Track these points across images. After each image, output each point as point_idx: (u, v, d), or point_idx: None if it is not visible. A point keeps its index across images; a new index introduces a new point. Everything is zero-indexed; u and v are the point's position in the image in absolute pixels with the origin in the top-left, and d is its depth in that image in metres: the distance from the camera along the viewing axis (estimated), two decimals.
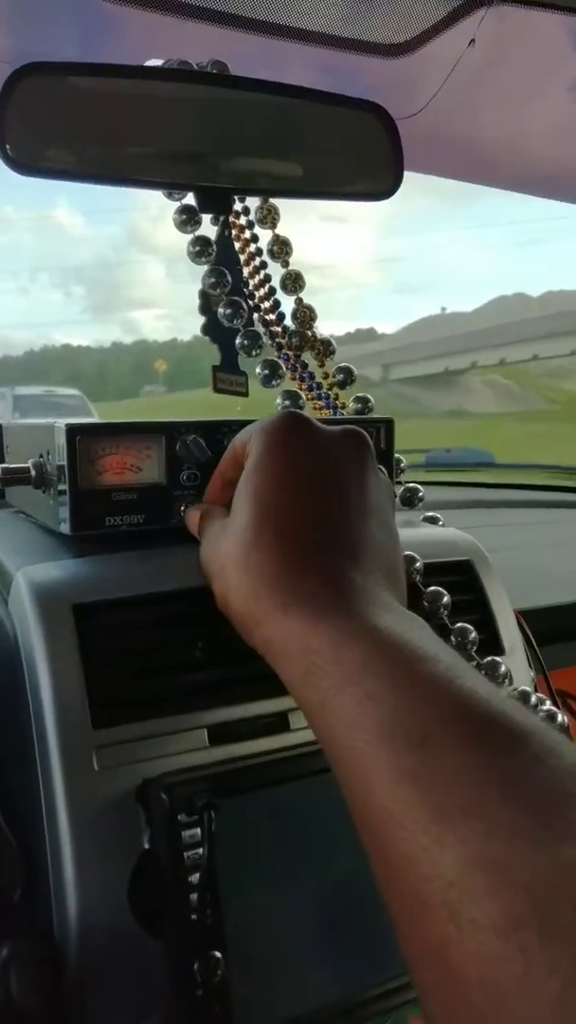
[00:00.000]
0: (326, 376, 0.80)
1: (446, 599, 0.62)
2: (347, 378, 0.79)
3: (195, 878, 0.45)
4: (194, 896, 0.45)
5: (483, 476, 1.71)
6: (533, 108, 1.02)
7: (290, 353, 0.79)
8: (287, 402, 0.65)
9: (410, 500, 0.82)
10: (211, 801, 0.46)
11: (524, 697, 0.63)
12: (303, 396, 0.67)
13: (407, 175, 0.72)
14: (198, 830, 0.46)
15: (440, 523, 0.80)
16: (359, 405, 0.78)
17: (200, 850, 0.46)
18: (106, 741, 0.50)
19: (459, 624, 0.62)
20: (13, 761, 0.54)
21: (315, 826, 0.52)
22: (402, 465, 0.78)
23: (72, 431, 0.59)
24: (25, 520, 0.75)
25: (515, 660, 0.65)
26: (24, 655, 0.53)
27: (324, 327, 0.77)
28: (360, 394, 0.78)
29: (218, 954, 0.45)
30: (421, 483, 0.80)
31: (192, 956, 0.45)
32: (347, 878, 0.52)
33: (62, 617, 0.53)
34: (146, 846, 0.48)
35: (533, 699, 0.63)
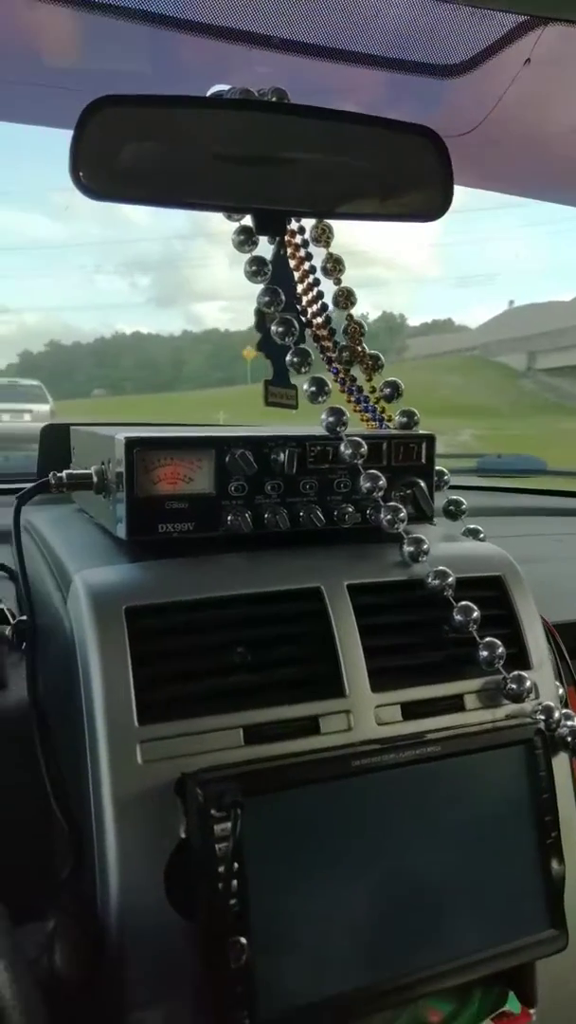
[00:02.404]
0: (373, 390, 0.82)
1: (476, 614, 0.64)
2: (394, 392, 0.82)
3: (224, 868, 0.49)
4: (222, 885, 0.49)
5: (535, 483, 1.70)
6: None
7: (339, 367, 0.82)
8: (331, 419, 0.68)
9: (453, 513, 0.84)
10: (237, 799, 0.49)
11: (548, 712, 0.65)
12: (347, 412, 0.70)
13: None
14: (229, 824, 0.49)
15: (481, 535, 0.82)
16: (405, 419, 0.80)
17: (230, 843, 0.50)
18: (150, 736, 0.54)
19: (488, 638, 0.64)
20: (66, 748, 0.58)
21: (343, 824, 0.55)
22: (445, 478, 0.80)
23: (131, 443, 0.63)
24: (86, 520, 0.80)
25: (542, 675, 0.67)
26: (79, 652, 0.57)
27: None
28: (406, 408, 0.80)
29: (243, 940, 0.49)
30: (472, 488, 0.82)
31: (219, 941, 0.49)
32: (373, 875, 0.55)
33: (115, 619, 0.57)
34: (183, 836, 0.52)
35: (556, 715, 0.65)
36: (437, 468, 0.76)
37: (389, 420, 0.82)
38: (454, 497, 0.83)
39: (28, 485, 0.71)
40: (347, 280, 0.79)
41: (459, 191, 0.77)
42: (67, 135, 0.62)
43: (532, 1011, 0.62)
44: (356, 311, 0.81)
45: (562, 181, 1.05)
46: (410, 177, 0.74)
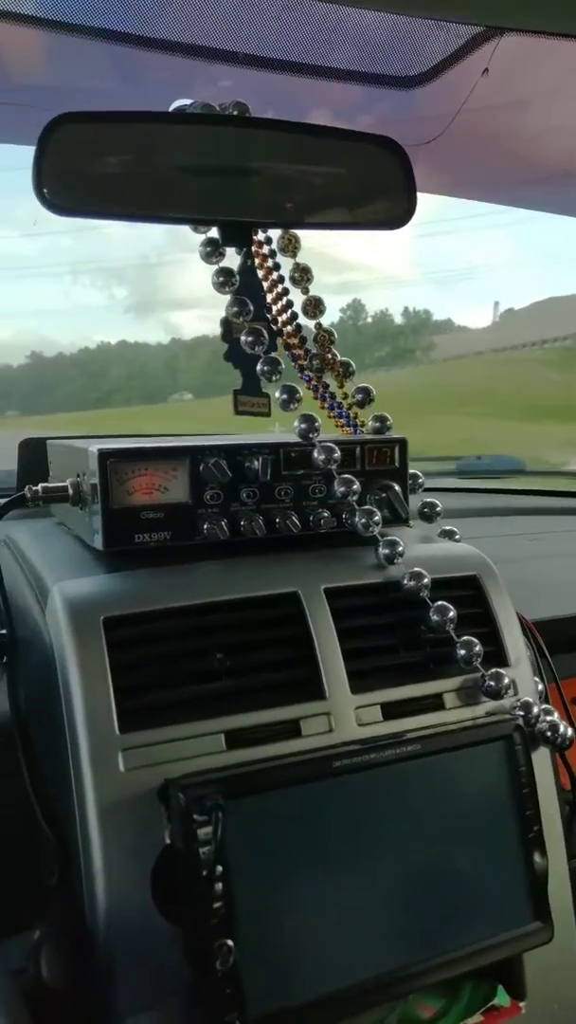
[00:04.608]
0: (345, 396, 0.83)
1: (452, 613, 0.65)
2: (366, 398, 0.83)
3: (208, 871, 0.49)
4: (207, 888, 0.49)
5: (514, 483, 1.72)
6: (553, 125, 1.04)
7: (311, 374, 0.83)
8: (303, 425, 0.69)
9: (428, 515, 0.85)
10: (218, 803, 0.50)
11: (526, 708, 0.65)
12: (319, 419, 0.70)
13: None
14: (211, 828, 0.50)
15: (457, 537, 0.83)
16: (378, 424, 0.81)
17: (213, 846, 0.50)
18: (131, 744, 0.54)
19: (465, 637, 0.65)
20: (49, 759, 0.58)
21: (326, 825, 0.55)
22: (420, 481, 0.81)
23: (104, 455, 0.64)
24: (64, 532, 0.80)
25: (520, 671, 0.68)
26: (58, 663, 0.57)
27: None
28: (379, 413, 0.81)
29: (230, 942, 0.49)
30: (451, 490, 0.83)
31: (206, 944, 0.49)
32: (358, 874, 0.56)
33: (93, 629, 0.57)
34: (167, 841, 0.53)
35: (535, 710, 0.66)
36: (411, 471, 0.77)
37: (363, 426, 0.83)
38: (429, 500, 0.84)
39: (4, 501, 0.71)
40: (324, 286, 0.80)
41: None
42: (30, 151, 0.62)
43: (521, 1004, 0.63)
44: (326, 320, 0.82)
45: (523, 186, 1.07)
46: (374, 186, 0.75)
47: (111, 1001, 0.51)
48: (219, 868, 0.50)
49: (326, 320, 0.81)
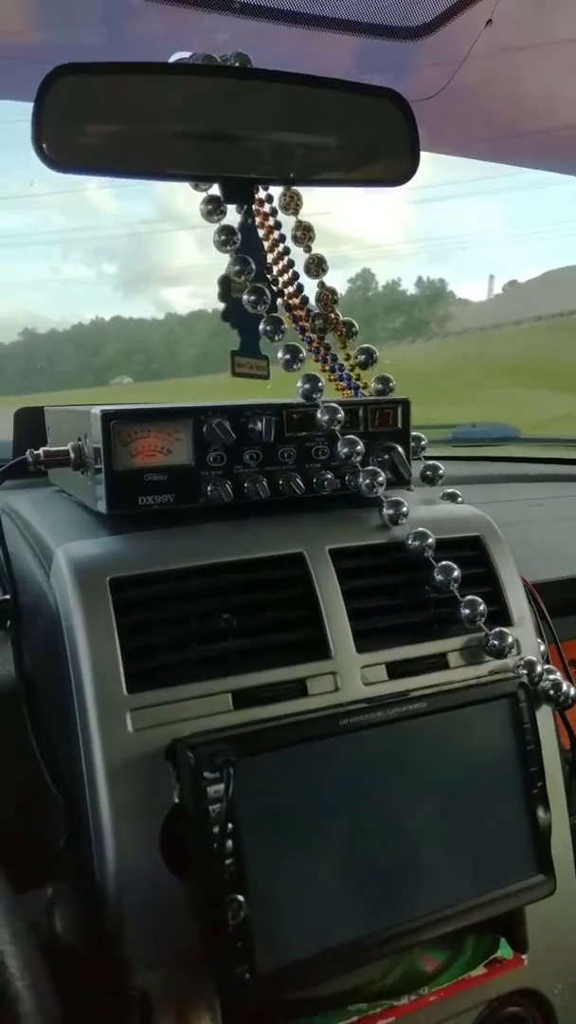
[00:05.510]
0: (348, 358, 0.82)
1: (456, 573, 0.65)
2: (368, 359, 0.82)
3: (218, 829, 0.50)
4: (217, 846, 0.50)
5: (509, 451, 1.72)
6: (558, 82, 1.02)
7: (313, 336, 0.82)
8: (307, 386, 0.68)
9: (431, 478, 0.85)
10: (229, 759, 0.50)
11: (530, 667, 0.66)
12: (323, 379, 0.70)
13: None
14: (222, 786, 0.50)
15: (459, 499, 0.83)
16: (380, 386, 0.80)
17: (223, 803, 0.50)
18: (139, 704, 0.55)
19: (469, 597, 0.65)
20: (56, 722, 0.58)
21: (333, 782, 0.56)
22: (423, 443, 0.81)
23: (107, 416, 0.63)
24: (65, 498, 0.79)
25: (524, 631, 0.69)
26: (64, 625, 0.57)
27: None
28: (381, 374, 0.81)
29: (240, 897, 0.50)
30: (447, 458, 0.83)
31: (217, 899, 0.50)
32: (364, 830, 0.56)
33: (99, 590, 0.57)
34: (176, 800, 0.53)
35: (539, 668, 0.66)
36: (414, 434, 0.77)
37: (364, 388, 0.82)
38: (431, 462, 0.84)
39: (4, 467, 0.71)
40: None
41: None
42: (23, 108, 0.61)
43: (524, 956, 0.64)
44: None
45: (528, 143, 1.05)
46: (376, 141, 0.74)
47: (122, 957, 0.52)
48: (229, 825, 0.50)
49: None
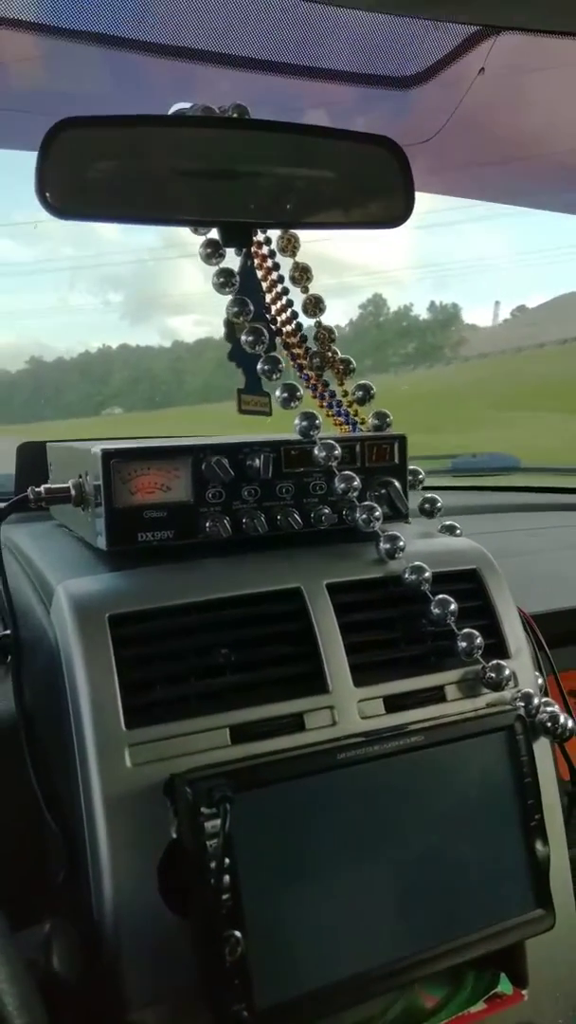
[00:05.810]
0: (345, 394, 0.84)
1: (453, 606, 0.66)
2: (366, 395, 0.83)
3: (215, 864, 0.50)
4: (215, 881, 0.50)
5: (509, 480, 1.73)
6: (551, 123, 1.05)
7: (311, 373, 0.84)
8: (304, 423, 0.70)
9: (429, 511, 0.86)
10: (227, 795, 0.51)
11: (527, 699, 0.66)
12: (320, 416, 0.71)
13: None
14: (219, 821, 0.51)
15: (457, 532, 0.84)
16: (377, 421, 0.82)
17: (220, 839, 0.51)
18: (137, 740, 0.55)
19: (466, 630, 0.66)
20: (55, 756, 0.59)
21: (331, 816, 0.56)
22: (420, 477, 0.82)
23: (107, 455, 0.64)
24: (66, 533, 0.81)
25: (521, 663, 0.69)
26: (64, 661, 0.58)
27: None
28: (379, 410, 0.82)
29: (238, 933, 0.50)
30: (448, 488, 0.84)
31: (214, 936, 0.50)
32: (363, 865, 0.57)
33: (99, 627, 0.58)
34: (174, 835, 0.54)
35: (536, 700, 0.67)
36: (411, 468, 0.78)
37: (362, 423, 0.84)
38: (429, 495, 0.85)
39: (4, 504, 0.72)
40: (321, 289, 0.81)
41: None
42: (30, 157, 0.63)
43: (524, 991, 0.63)
44: (334, 319, 0.83)
45: (522, 184, 1.08)
46: (372, 185, 0.76)
47: (120, 993, 0.52)
48: (227, 861, 0.51)
49: (334, 319, 0.82)
